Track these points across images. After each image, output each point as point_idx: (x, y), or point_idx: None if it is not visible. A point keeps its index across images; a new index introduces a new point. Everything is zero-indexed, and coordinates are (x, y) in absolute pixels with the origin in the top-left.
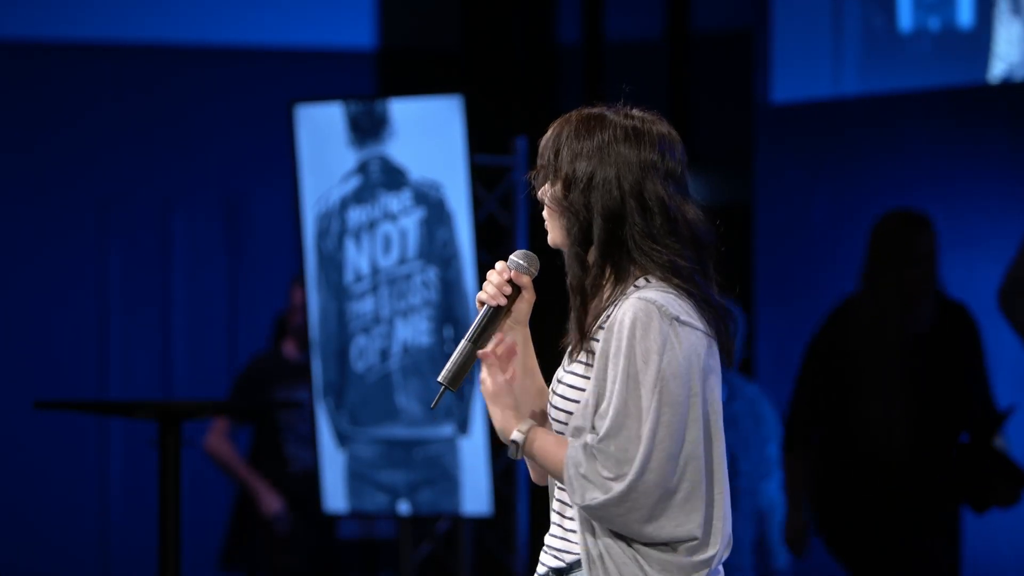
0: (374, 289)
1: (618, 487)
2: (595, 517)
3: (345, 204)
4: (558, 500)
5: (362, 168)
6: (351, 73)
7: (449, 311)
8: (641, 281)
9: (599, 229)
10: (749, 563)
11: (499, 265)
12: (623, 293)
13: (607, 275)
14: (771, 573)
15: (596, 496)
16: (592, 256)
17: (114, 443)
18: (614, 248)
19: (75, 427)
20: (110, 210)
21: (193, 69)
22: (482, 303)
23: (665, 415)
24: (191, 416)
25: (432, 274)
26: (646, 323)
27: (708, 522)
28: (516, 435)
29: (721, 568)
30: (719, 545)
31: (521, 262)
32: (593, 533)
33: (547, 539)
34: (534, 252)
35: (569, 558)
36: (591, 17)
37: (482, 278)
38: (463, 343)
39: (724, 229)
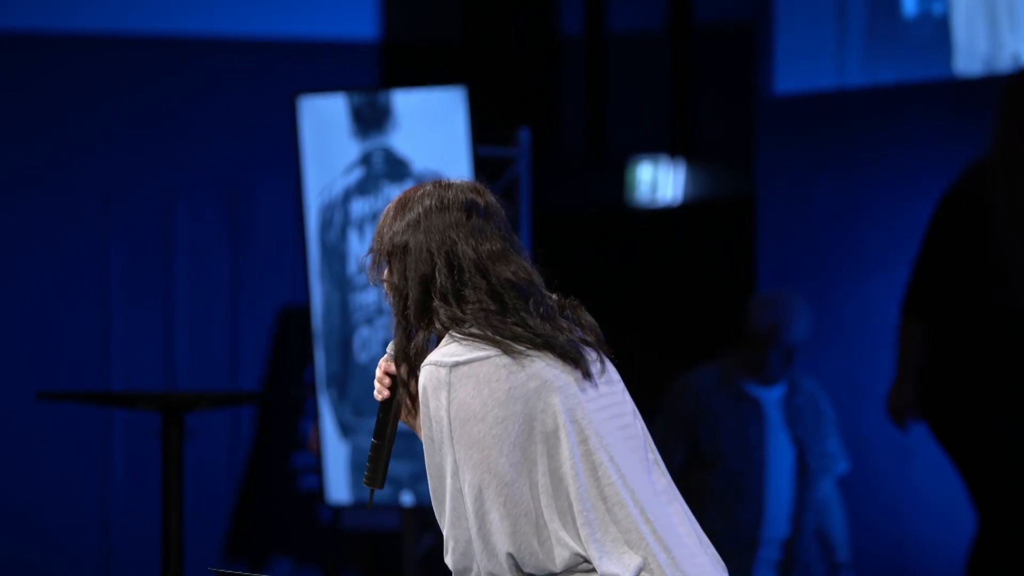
0: None
1: (477, 561)
2: None
3: (348, 195)
4: None
5: (365, 160)
6: (354, 65)
7: None
8: (431, 347)
9: (414, 294)
10: (815, 555)
11: (381, 361)
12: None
13: (424, 341)
14: (835, 566)
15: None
16: (410, 320)
17: (117, 435)
18: (425, 310)
19: (78, 419)
20: (113, 202)
21: (196, 61)
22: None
23: (473, 457)
24: (194, 408)
25: None
26: (427, 388)
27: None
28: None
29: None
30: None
31: (391, 351)
32: None
33: None
34: (538, 247)
35: None
36: (594, 8)
37: None
38: (373, 442)
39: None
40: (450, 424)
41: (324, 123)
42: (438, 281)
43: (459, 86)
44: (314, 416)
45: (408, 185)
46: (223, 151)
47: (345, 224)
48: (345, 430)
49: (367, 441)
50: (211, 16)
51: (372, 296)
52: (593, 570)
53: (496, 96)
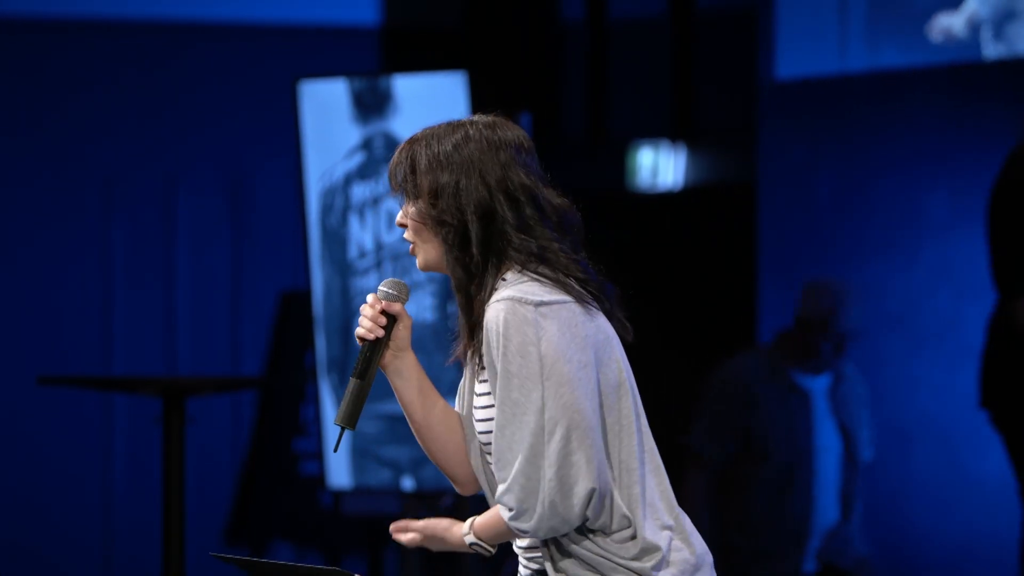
0: (378, 265)
1: (527, 509)
2: (550, 533)
3: (349, 180)
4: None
5: (366, 144)
6: (355, 49)
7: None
8: (499, 282)
9: (476, 228)
10: (864, 544)
11: (370, 298)
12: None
13: (488, 275)
14: (856, 558)
15: (529, 525)
16: (474, 257)
17: (118, 419)
18: (492, 244)
19: (79, 403)
20: (114, 187)
21: (197, 46)
22: (361, 339)
23: (564, 396)
24: (195, 393)
25: None
26: (508, 322)
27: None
28: (469, 539)
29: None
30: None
31: (390, 291)
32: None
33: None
34: None
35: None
36: None
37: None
38: (351, 381)
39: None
40: (540, 360)
41: (325, 108)
42: (500, 214)
43: (460, 71)
44: (315, 401)
45: None
46: (224, 136)
47: (346, 209)
48: None
49: (368, 426)
50: (212, 1)
51: (373, 281)
52: (634, 536)
53: (497, 81)
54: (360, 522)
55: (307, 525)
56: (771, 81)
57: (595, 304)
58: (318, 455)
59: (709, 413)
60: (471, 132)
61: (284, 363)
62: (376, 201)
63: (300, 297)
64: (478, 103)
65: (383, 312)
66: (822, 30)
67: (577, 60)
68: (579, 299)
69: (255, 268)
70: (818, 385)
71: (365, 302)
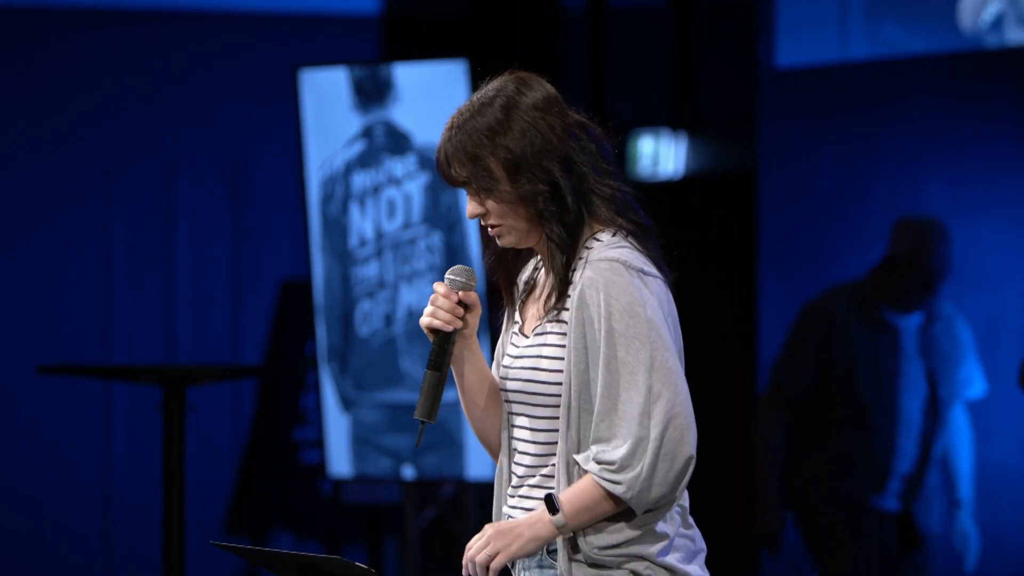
0: (378, 254)
1: (631, 473)
2: (650, 503)
3: (349, 169)
4: (523, 475)
5: (366, 133)
6: (356, 38)
7: None
8: (592, 242)
9: (564, 180)
10: (939, 490)
11: (441, 288)
12: (578, 256)
13: (584, 225)
14: (954, 502)
15: (627, 492)
16: (571, 209)
17: (118, 408)
18: (581, 191)
19: (79, 392)
20: (114, 176)
21: (197, 34)
22: (431, 329)
23: (668, 361)
24: (195, 381)
25: (436, 239)
26: (618, 282)
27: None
28: (559, 520)
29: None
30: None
31: (461, 279)
32: None
33: (512, 510)
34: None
35: None
36: None
37: (487, 243)
38: (427, 373)
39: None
40: (648, 322)
41: (325, 96)
42: (575, 159)
43: (460, 59)
44: (315, 389)
45: (409, 159)
46: (225, 124)
47: (346, 197)
48: (346, 404)
49: (369, 414)
50: None
51: (373, 269)
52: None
53: (497, 69)
54: (360, 511)
55: (307, 514)
56: (772, 69)
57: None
58: (318, 443)
59: (791, 345)
60: (513, 98)
61: (284, 352)
62: (376, 189)
63: (300, 286)
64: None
65: (459, 302)
66: (822, 18)
67: (578, 48)
68: (665, 278)
69: (255, 256)
70: (908, 324)
71: (368, 294)
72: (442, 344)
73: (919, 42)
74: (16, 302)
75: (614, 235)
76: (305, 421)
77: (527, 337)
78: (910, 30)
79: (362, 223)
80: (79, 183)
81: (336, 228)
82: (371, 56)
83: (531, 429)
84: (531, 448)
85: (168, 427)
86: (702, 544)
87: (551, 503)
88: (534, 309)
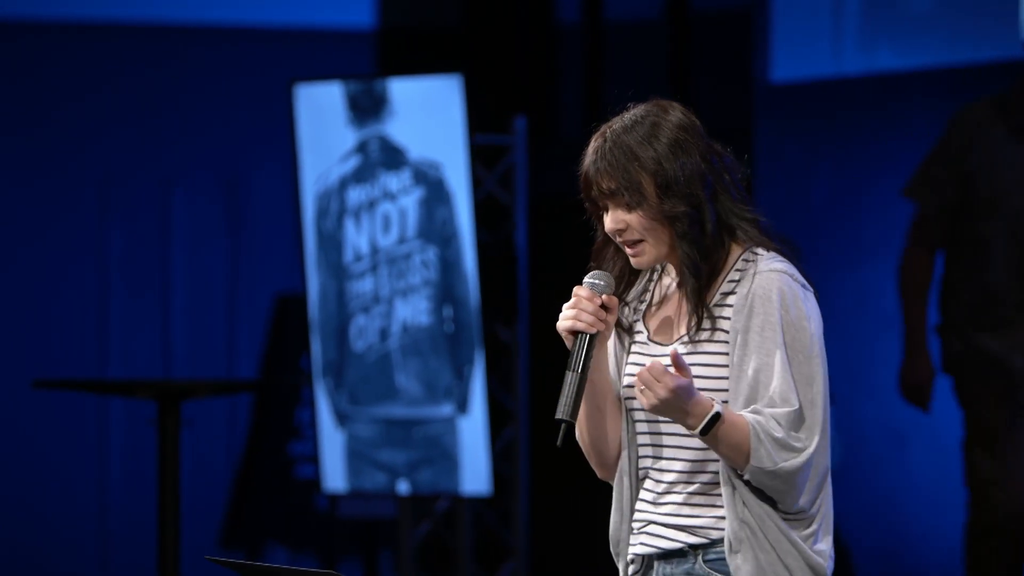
0: (373, 269)
1: (808, 450)
2: (771, 482)
3: (344, 183)
4: (674, 481)
5: (361, 147)
6: (351, 52)
7: (449, 290)
8: (749, 255)
9: (708, 208)
10: None
11: (583, 291)
12: (734, 268)
13: (722, 250)
14: None
15: (790, 459)
16: (710, 237)
17: (114, 422)
18: (722, 220)
19: (74, 406)
20: (110, 190)
21: (193, 48)
22: (572, 332)
23: (823, 379)
24: (190, 396)
25: (432, 254)
26: (790, 293)
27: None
28: (718, 407)
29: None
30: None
31: (602, 283)
32: (746, 511)
33: (666, 518)
34: (535, 232)
35: (716, 533)
36: None
37: (482, 257)
38: (570, 375)
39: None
40: (811, 337)
41: (320, 111)
42: (719, 190)
43: (456, 74)
44: (310, 404)
45: (405, 174)
46: (220, 139)
47: (341, 212)
48: (341, 419)
49: (364, 429)
50: (208, 4)
51: (368, 284)
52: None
53: (493, 84)
54: (355, 525)
55: (302, 528)
56: (767, 83)
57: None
58: (313, 458)
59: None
60: (664, 120)
61: (280, 366)
62: (372, 204)
63: (296, 300)
64: (474, 106)
65: (604, 306)
66: (818, 32)
67: (573, 62)
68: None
69: (251, 271)
70: None
71: (363, 309)
72: (582, 346)
73: (912, 57)
74: (12, 316)
75: (767, 250)
76: (300, 436)
77: (666, 346)
78: (903, 45)
79: (357, 238)
80: (75, 196)
81: (331, 243)
82: (366, 71)
83: (688, 435)
84: (686, 454)
85: (163, 441)
86: None
87: (716, 419)
88: (666, 318)
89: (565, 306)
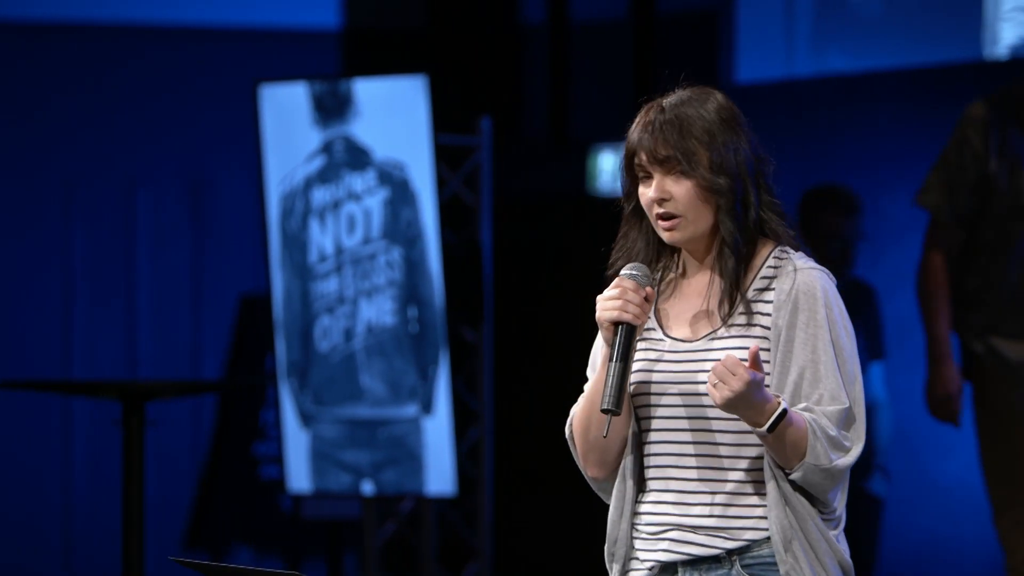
0: (338, 269)
1: (856, 449)
2: (821, 480)
3: (309, 184)
4: (701, 481)
5: (326, 148)
6: (315, 53)
7: (413, 291)
8: (780, 252)
9: (753, 192)
10: None
11: (630, 284)
12: (766, 264)
13: (757, 239)
14: None
15: (842, 457)
16: (751, 221)
17: (78, 423)
18: (763, 206)
19: (39, 407)
20: (74, 190)
21: (157, 49)
22: (614, 323)
23: (861, 379)
24: (155, 396)
25: (396, 254)
26: (832, 293)
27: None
28: (785, 404)
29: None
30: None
31: (643, 275)
32: (789, 510)
33: (694, 520)
34: (500, 233)
35: (752, 535)
36: None
37: (447, 258)
38: (613, 365)
39: None
40: (851, 337)
41: (285, 111)
42: (762, 178)
43: (421, 74)
44: (275, 405)
45: (369, 174)
46: (184, 139)
47: (306, 212)
48: (306, 419)
49: (328, 430)
50: (173, 4)
51: (333, 285)
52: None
53: (458, 84)
54: (320, 526)
55: (267, 529)
56: (732, 84)
57: None
58: (278, 459)
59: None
60: (715, 99)
61: (244, 367)
62: (336, 205)
63: (260, 301)
64: (439, 106)
65: (648, 298)
66: (783, 33)
67: (538, 63)
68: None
69: (215, 272)
70: None
71: (328, 309)
72: (625, 337)
73: (877, 58)
74: None
75: (797, 249)
76: (264, 436)
77: (689, 341)
78: (856, 47)
79: (322, 238)
80: (39, 198)
81: (296, 243)
82: (331, 71)
83: (711, 433)
84: (715, 453)
85: (128, 442)
86: None
87: (783, 417)
88: (683, 313)
89: (605, 296)
